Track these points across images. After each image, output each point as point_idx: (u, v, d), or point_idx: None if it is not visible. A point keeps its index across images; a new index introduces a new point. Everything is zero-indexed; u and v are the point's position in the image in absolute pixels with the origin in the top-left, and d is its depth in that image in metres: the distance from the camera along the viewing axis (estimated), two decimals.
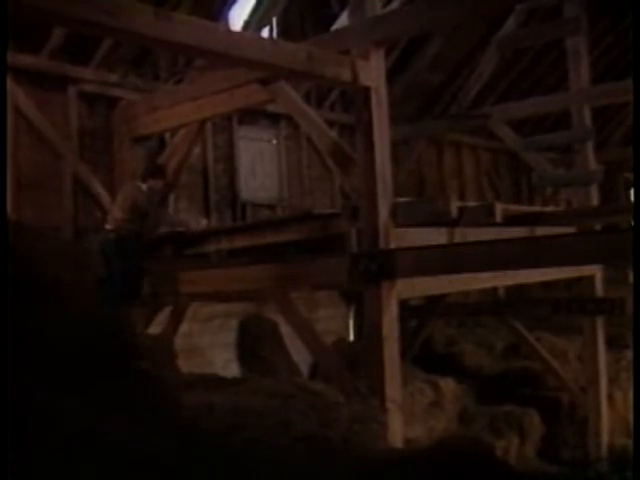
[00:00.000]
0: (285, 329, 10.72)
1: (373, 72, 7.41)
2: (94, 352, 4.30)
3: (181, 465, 3.77)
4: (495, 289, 12.47)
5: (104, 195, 9.95)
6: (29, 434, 3.47)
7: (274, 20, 12.68)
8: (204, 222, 10.05)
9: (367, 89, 7.35)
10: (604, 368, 11.41)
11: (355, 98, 7.61)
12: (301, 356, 11.19)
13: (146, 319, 9.41)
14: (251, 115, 12.18)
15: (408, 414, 8.79)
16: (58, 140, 9.91)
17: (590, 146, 11.40)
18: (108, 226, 8.69)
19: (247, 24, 11.66)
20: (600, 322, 11.35)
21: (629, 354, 12.68)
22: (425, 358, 12.45)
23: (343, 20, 10.39)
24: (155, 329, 9.45)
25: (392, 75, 11.51)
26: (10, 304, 3.85)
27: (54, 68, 9.99)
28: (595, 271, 11.20)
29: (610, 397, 11.75)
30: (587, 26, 11.70)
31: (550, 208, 13.27)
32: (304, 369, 11.66)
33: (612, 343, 12.13)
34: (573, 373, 12.35)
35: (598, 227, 10.43)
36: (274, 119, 12.70)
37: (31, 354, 3.96)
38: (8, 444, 3.23)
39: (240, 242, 8.66)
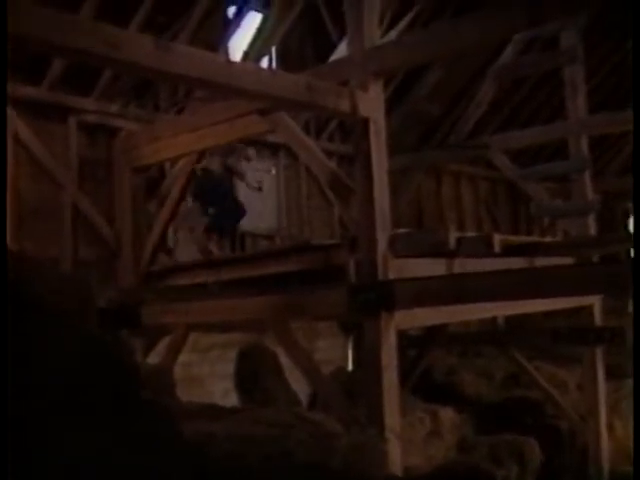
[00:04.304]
0: (285, 359, 10.71)
1: (372, 103, 7.43)
2: (94, 381, 4.31)
3: None
4: (495, 319, 12.48)
5: (103, 225, 9.97)
6: (29, 461, 3.48)
7: (273, 49, 12.77)
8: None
9: (366, 120, 7.37)
10: (604, 397, 11.40)
11: (354, 129, 7.63)
12: (300, 386, 11.18)
13: (145, 349, 9.41)
14: (250, 145, 12.23)
15: (407, 443, 8.77)
16: (58, 170, 9.96)
17: (587, 176, 11.42)
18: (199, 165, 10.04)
19: (246, 54, 11.74)
20: (599, 351, 11.34)
21: (629, 383, 12.67)
22: (425, 387, 12.43)
23: (342, 49, 10.45)
24: (154, 359, 9.46)
25: (391, 105, 11.57)
26: (10, 333, 3.87)
27: (54, 99, 10.07)
28: (594, 301, 11.21)
29: (610, 426, 11.72)
30: (584, 56, 11.75)
31: (548, 238, 13.29)
32: (303, 399, 11.64)
33: (611, 372, 12.12)
34: (573, 402, 12.33)
35: (596, 257, 10.43)
36: (273, 149, 12.76)
37: (31, 382, 3.97)
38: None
39: (239, 273, 8.67)
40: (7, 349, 3.71)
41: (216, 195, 10.72)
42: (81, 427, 3.85)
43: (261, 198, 12.14)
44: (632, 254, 8.99)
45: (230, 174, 10.76)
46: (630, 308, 14.34)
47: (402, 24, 12.47)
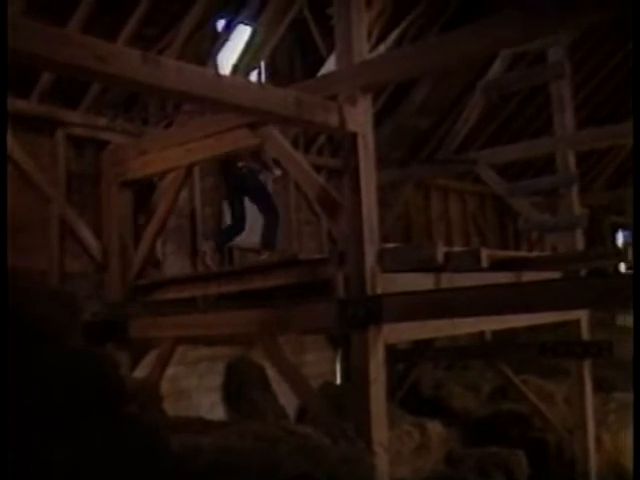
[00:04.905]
0: (272, 373, 10.70)
1: (360, 117, 7.43)
2: (82, 395, 4.30)
3: None
4: (482, 332, 12.49)
5: (90, 239, 9.93)
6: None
7: (262, 63, 12.78)
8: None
9: (354, 134, 7.37)
10: (591, 410, 11.40)
11: (342, 143, 7.63)
12: (288, 399, 11.16)
13: (132, 362, 9.38)
14: None
15: (395, 456, 8.77)
16: (46, 184, 9.90)
17: (574, 191, 11.46)
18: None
19: (236, 68, 11.73)
20: (587, 365, 11.35)
21: (617, 396, 12.70)
22: (412, 401, 12.44)
23: (330, 64, 10.46)
24: (141, 372, 9.44)
25: (380, 119, 11.58)
26: (10, 346, 3.89)
27: (42, 112, 10.02)
28: (581, 315, 11.22)
29: (598, 439, 11.72)
30: (571, 71, 11.81)
31: (536, 253, 13.32)
32: (291, 412, 11.63)
33: (599, 386, 12.14)
34: (560, 415, 12.35)
35: (584, 271, 10.44)
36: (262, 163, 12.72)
37: (15, 395, 3.96)
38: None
39: (227, 287, 8.65)
40: (7, 361, 3.72)
41: (259, 193, 10.75)
42: (64, 441, 3.84)
43: (249, 212, 12.10)
44: (632, 264, 9.05)
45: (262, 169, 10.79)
46: (618, 321, 14.42)
47: (391, 38, 12.52)
